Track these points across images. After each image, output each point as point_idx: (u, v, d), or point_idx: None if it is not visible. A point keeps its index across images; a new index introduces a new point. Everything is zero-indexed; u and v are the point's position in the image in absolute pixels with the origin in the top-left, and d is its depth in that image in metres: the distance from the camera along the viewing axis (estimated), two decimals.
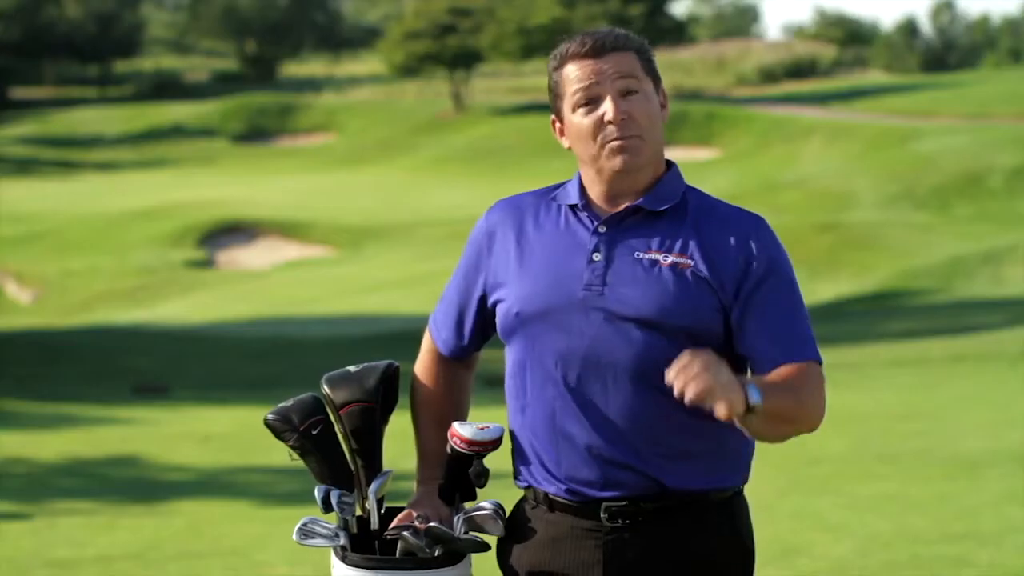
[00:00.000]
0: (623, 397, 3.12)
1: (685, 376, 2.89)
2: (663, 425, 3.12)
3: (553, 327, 3.15)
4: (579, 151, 3.20)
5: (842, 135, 52.01)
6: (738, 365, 3.17)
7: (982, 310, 27.11)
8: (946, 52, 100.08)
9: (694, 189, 3.25)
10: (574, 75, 3.17)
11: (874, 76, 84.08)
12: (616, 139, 3.14)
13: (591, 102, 3.16)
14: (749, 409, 2.95)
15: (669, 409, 3.11)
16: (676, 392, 2.91)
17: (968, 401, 15.75)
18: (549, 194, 3.29)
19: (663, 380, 3.07)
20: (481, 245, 3.30)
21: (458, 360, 3.41)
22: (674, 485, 3.13)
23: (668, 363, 3.06)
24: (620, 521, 3.15)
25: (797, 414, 3.08)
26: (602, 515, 3.15)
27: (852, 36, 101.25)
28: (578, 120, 3.17)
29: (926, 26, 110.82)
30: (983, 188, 41.59)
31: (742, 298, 3.13)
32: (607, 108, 3.14)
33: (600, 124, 3.15)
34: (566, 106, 3.19)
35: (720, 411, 2.91)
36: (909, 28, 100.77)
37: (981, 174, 42.39)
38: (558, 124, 3.25)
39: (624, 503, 3.14)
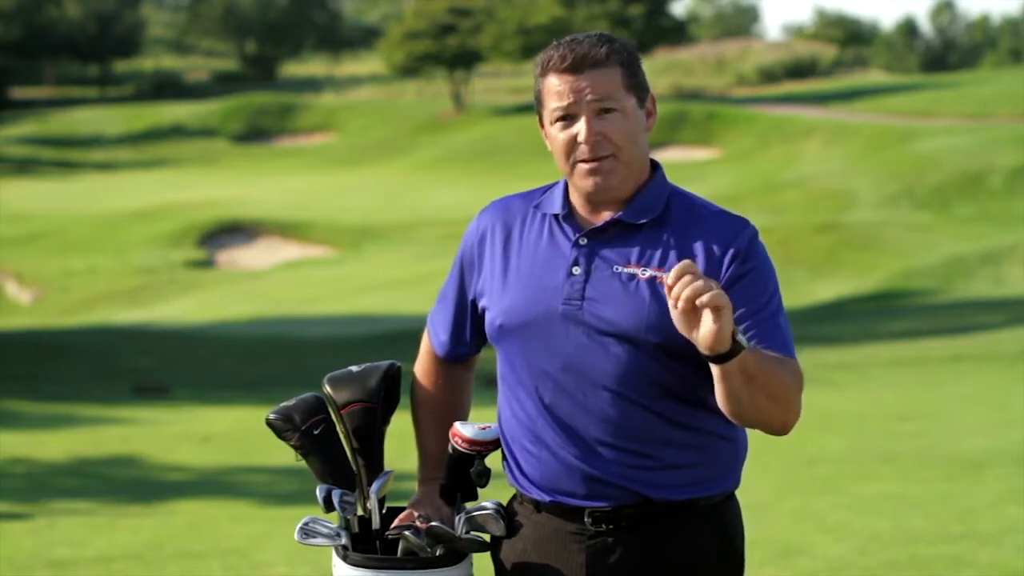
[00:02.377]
0: (603, 411, 3.10)
1: (687, 279, 2.79)
2: (645, 438, 3.10)
3: (534, 340, 3.14)
4: (557, 161, 3.19)
5: (842, 135, 52.01)
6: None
7: (982, 310, 27.11)
8: (946, 52, 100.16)
9: (679, 192, 3.20)
10: (553, 89, 3.14)
11: (874, 76, 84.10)
12: (587, 160, 3.12)
13: (567, 119, 3.13)
14: (734, 348, 2.85)
15: (651, 422, 3.09)
16: (671, 293, 2.76)
17: (968, 401, 15.75)
18: (536, 198, 3.27)
19: (643, 394, 3.07)
20: (472, 249, 3.29)
21: (456, 362, 3.41)
22: (659, 497, 3.11)
23: (647, 377, 3.06)
24: (604, 526, 3.14)
25: (778, 389, 2.95)
26: (586, 519, 3.14)
27: (852, 36, 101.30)
28: (554, 134, 3.16)
29: (926, 26, 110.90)
30: (983, 188, 41.59)
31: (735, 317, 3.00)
32: (580, 129, 3.12)
33: (573, 143, 3.13)
34: (545, 117, 3.18)
35: (706, 334, 2.80)
36: (909, 28, 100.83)
37: (981, 174, 42.39)
38: (542, 128, 3.24)
39: (608, 510, 3.13)
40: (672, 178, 3.27)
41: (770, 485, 10.35)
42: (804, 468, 11.56)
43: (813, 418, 14.72)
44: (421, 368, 3.43)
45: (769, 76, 78.84)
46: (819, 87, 73.19)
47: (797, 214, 38.89)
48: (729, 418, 3.01)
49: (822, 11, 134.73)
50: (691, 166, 49.39)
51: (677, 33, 70.39)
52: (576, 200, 3.20)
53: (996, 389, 16.49)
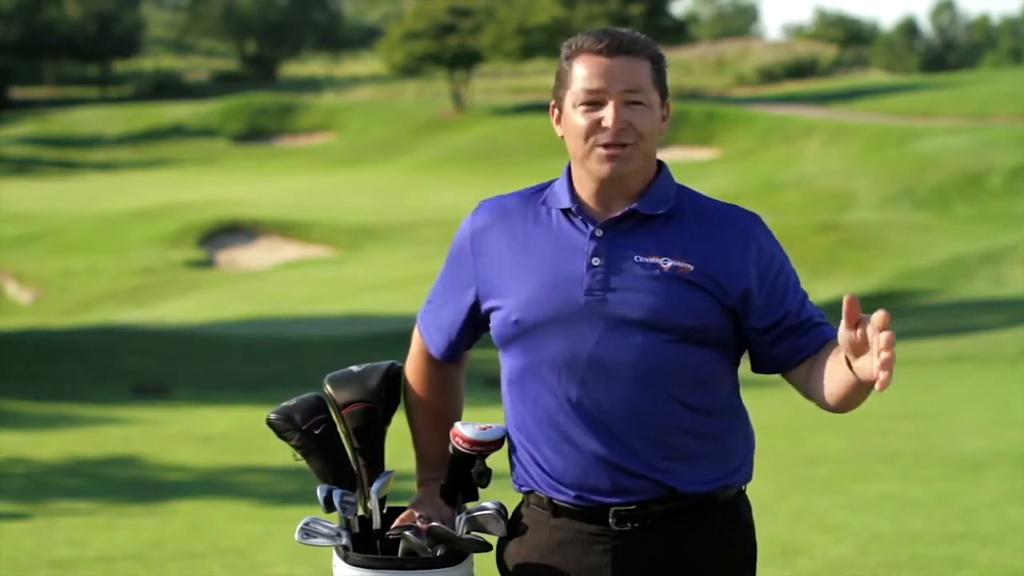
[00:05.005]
0: (629, 401, 3.10)
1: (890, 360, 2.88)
2: (669, 427, 3.12)
3: (555, 333, 3.13)
4: (570, 146, 3.17)
5: (842, 135, 52.01)
6: (736, 357, 3.21)
7: (982, 310, 27.12)
8: (946, 52, 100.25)
9: (685, 188, 3.23)
10: (583, 72, 3.14)
11: (874, 76, 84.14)
12: (608, 145, 3.12)
13: (593, 103, 3.13)
14: None
15: (675, 411, 3.12)
16: (880, 374, 2.87)
17: (968, 401, 15.76)
18: (535, 196, 3.25)
19: (668, 382, 3.10)
20: (468, 249, 3.26)
21: (450, 361, 3.40)
22: (685, 488, 3.13)
23: (672, 364, 3.09)
24: (629, 525, 3.14)
25: None
26: (610, 520, 3.14)
27: (852, 36, 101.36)
28: (576, 117, 3.14)
29: (926, 26, 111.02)
30: (983, 188, 41.60)
31: (764, 302, 3.16)
32: (608, 114, 3.11)
33: (596, 127, 3.12)
34: (568, 98, 3.16)
35: (887, 375, 2.89)
36: (909, 28, 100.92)
37: (981, 174, 42.40)
38: (556, 112, 3.21)
39: (633, 507, 3.13)
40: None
41: (770, 485, 10.35)
42: (804, 468, 11.56)
43: (813, 418, 14.69)
44: (414, 369, 3.41)
45: (769, 76, 78.85)
46: (819, 87, 73.19)
47: (797, 214, 38.88)
48: (827, 406, 3.14)
49: (822, 11, 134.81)
50: (691, 166, 49.37)
51: (677, 33, 70.37)
52: (584, 194, 3.19)
53: (996, 389, 16.50)
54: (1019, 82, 61.87)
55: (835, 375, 3.07)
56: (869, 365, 2.92)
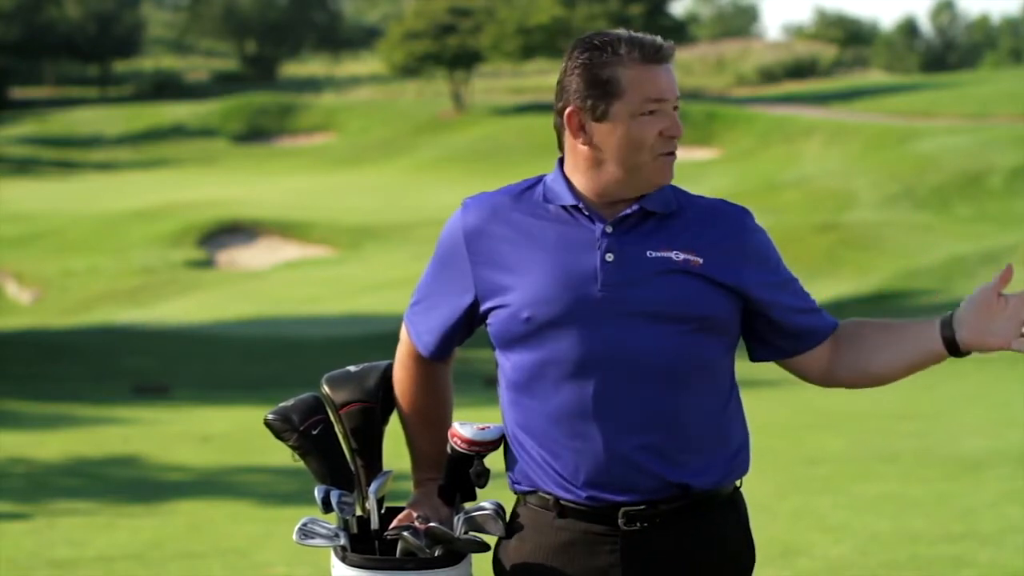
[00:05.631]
0: (647, 393, 3.11)
1: None
2: (683, 419, 3.13)
3: (569, 330, 3.12)
4: (618, 156, 3.14)
5: (842, 135, 52.01)
6: (735, 346, 3.25)
7: None
8: (946, 52, 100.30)
9: (677, 188, 3.25)
10: (648, 82, 3.12)
11: (874, 76, 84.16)
12: (670, 153, 3.16)
13: (657, 112, 3.13)
14: None
15: (688, 401, 3.13)
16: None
17: (968, 401, 15.76)
18: (527, 192, 3.22)
19: (682, 373, 3.12)
20: (462, 248, 3.24)
21: (439, 360, 3.38)
22: (694, 482, 3.14)
23: (688, 356, 3.12)
24: (637, 524, 3.14)
25: None
26: (619, 520, 3.13)
27: (852, 36, 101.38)
28: (640, 127, 3.12)
29: (926, 26, 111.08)
30: (983, 188, 41.59)
31: (774, 286, 3.22)
32: (670, 122, 3.14)
33: (659, 136, 3.14)
34: (624, 108, 3.12)
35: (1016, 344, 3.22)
36: (909, 28, 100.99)
37: (981, 174, 42.39)
38: (583, 120, 3.15)
39: (643, 507, 3.13)
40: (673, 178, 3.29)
41: (770, 485, 10.35)
42: (804, 468, 11.56)
43: (813, 418, 14.73)
44: (404, 370, 3.39)
45: (769, 76, 78.88)
46: (819, 87, 73.21)
47: (797, 214, 38.89)
48: (867, 381, 3.32)
49: (822, 11, 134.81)
50: (691, 166, 49.37)
51: (677, 33, 70.27)
52: (588, 191, 3.18)
53: (996, 389, 16.51)
54: (1019, 82, 61.89)
55: (905, 346, 3.32)
56: (1004, 331, 3.23)
